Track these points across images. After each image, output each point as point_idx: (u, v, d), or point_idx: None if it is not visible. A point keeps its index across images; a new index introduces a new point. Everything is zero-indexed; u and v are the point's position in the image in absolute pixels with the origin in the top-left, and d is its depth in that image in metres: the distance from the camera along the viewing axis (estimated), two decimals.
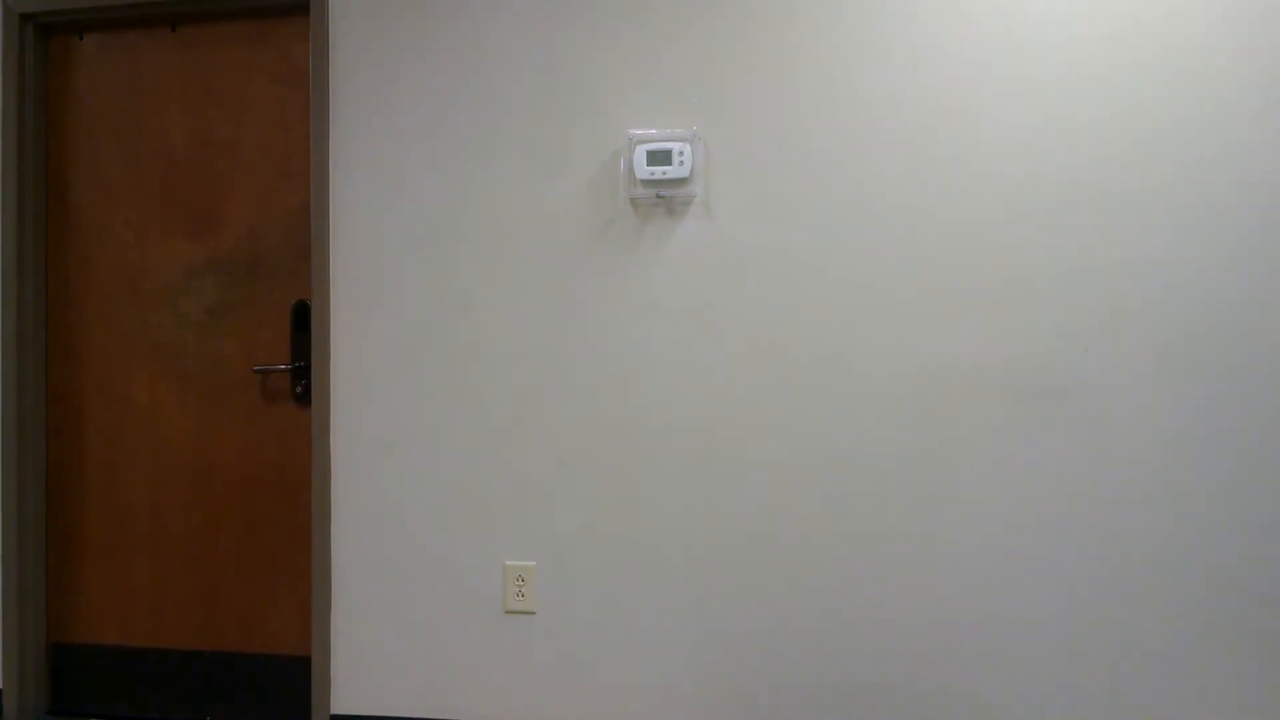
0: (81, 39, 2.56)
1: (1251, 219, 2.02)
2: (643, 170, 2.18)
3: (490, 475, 2.30)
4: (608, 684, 2.25)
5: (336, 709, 2.36)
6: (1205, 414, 2.03)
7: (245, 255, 2.48)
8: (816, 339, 2.16)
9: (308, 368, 2.44)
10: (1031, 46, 2.09)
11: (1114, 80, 2.06)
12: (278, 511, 2.47)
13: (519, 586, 2.28)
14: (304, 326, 2.44)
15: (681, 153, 2.17)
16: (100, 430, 2.55)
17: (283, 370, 2.45)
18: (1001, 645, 2.10)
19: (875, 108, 2.15)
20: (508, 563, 2.29)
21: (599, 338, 2.25)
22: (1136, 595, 2.05)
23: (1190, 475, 2.03)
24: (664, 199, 2.22)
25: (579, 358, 2.26)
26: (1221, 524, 2.02)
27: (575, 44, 2.26)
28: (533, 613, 2.28)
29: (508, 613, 2.29)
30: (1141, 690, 2.05)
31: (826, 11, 2.17)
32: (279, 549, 2.47)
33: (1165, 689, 2.04)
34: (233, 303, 2.49)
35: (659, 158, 2.17)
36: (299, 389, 2.45)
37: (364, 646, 2.35)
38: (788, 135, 2.18)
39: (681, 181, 2.19)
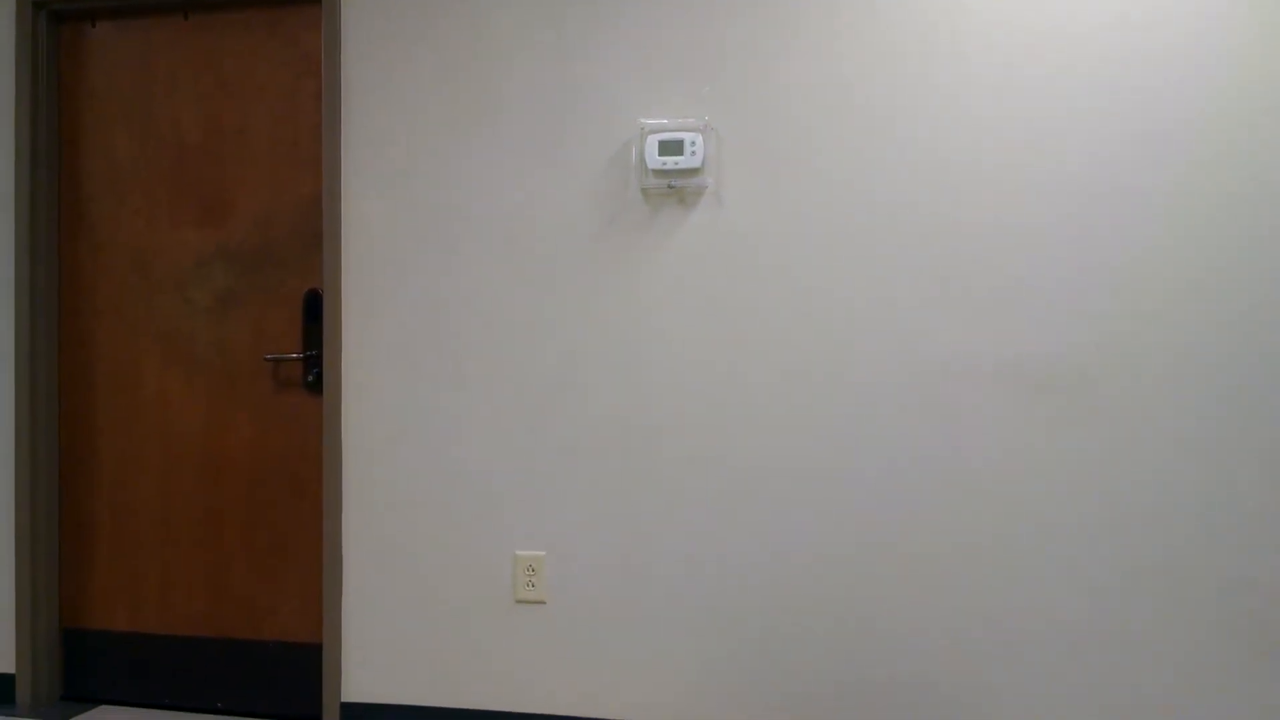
0: (94, 26, 2.56)
1: (1268, 215, 2.00)
2: (654, 160, 2.17)
3: (501, 465, 2.30)
4: (617, 673, 2.26)
5: (347, 697, 2.37)
6: (1219, 412, 2.02)
7: (256, 244, 2.49)
8: (828, 331, 2.16)
9: (319, 356, 2.45)
10: (1043, 43, 2.07)
11: (1126, 74, 2.04)
12: (288, 500, 2.48)
13: (529, 576, 2.28)
14: (316, 315, 2.45)
15: (693, 143, 2.16)
16: (112, 418, 2.56)
17: (294, 359, 2.46)
18: (1013, 644, 2.10)
19: (887, 101, 2.13)
20: (518, 552, 2.29)
21: (609, 327, 2.25)
22: (1150, 594, 2.04)
23: (1204, 474, 2.02)
24: (675, 189, 2.21)
25: (590, 347, 2.26)
26: (1237, 523, 2.01)
27: (587, 32, 2.25)
28: (543, 602, 2.29)
29: (518, 602, 2.30)
30: (1156, 690, 2.05)
31: (837, 8, 2.15)
32: (290, 537, 2.48)
33: (1180, 689, 2.04)
34: (244, 291, 2.49)
35: (671, 148, 2.17)
36: (310, 378, 2.45)
37: (374, 635, 2.36)
38: (800, 127, 2.17)
39: (693, 171, 2.19)
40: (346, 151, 2.36)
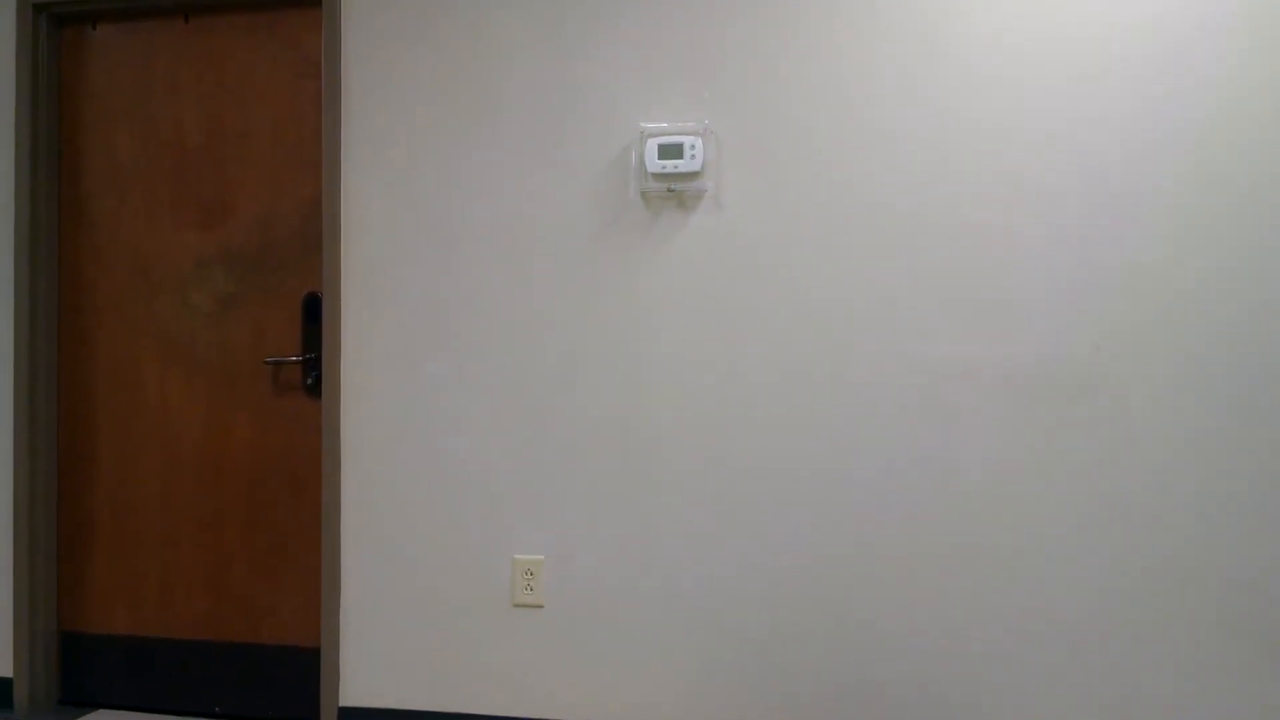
0: (95, 29, 2.56)
1: (1268, 219, 1.99)
2: (654, 163, 2.17)
3: (499, 468, 2.29)
4: (615, 677, 2.25)
5: (345, 701, 2.36)
6: (1218, 415, 2.01)
7: (256, 246, 2.49)
8: (827, 333, 2.15)
9: (319, 359, 2.44)
10: (1043, 48, 2.07)
11: (1127, 79, 2.04)
12: (287, 503, 2.47)
13: (528, 580, 2.28)
14: (315, 318, 2.45)
15: (693, 146, 2.16)
16: (111, 419, 2.56)
17: (294, 362, 2.45)
18: (1013, 645, 2.09)
19: (887, 105, 2.13)
20: (517, 556, 2.29)
21: (609, 330, 2.24)
22: (1149, 598, 2.04)
23: (1203, 476, 2.02)
24: (675, 192, 2.21)
25: (589, 350, 2.25)
26: (1236, 526, 2.01)
27: (587, 34, 2.25)
28: (541, 606, 2.28)
29: (516, 606, 2.29)
30: (1156, 691, 2.04)
31: (837, 9, 2.15)
32: (288, 540, 2.47)
33: (1180, 690, 2.03)
34: (244, 294, 2.49)
35: (670, 151, 2.17)
36: (310, 380, 2.45)
37: (373, 639, 2.35)
38: (799, 131, 2.17)
39: (693, 175, 2.18)
40: (346, 153, 2.36)
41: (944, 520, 2.11)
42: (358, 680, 2.36)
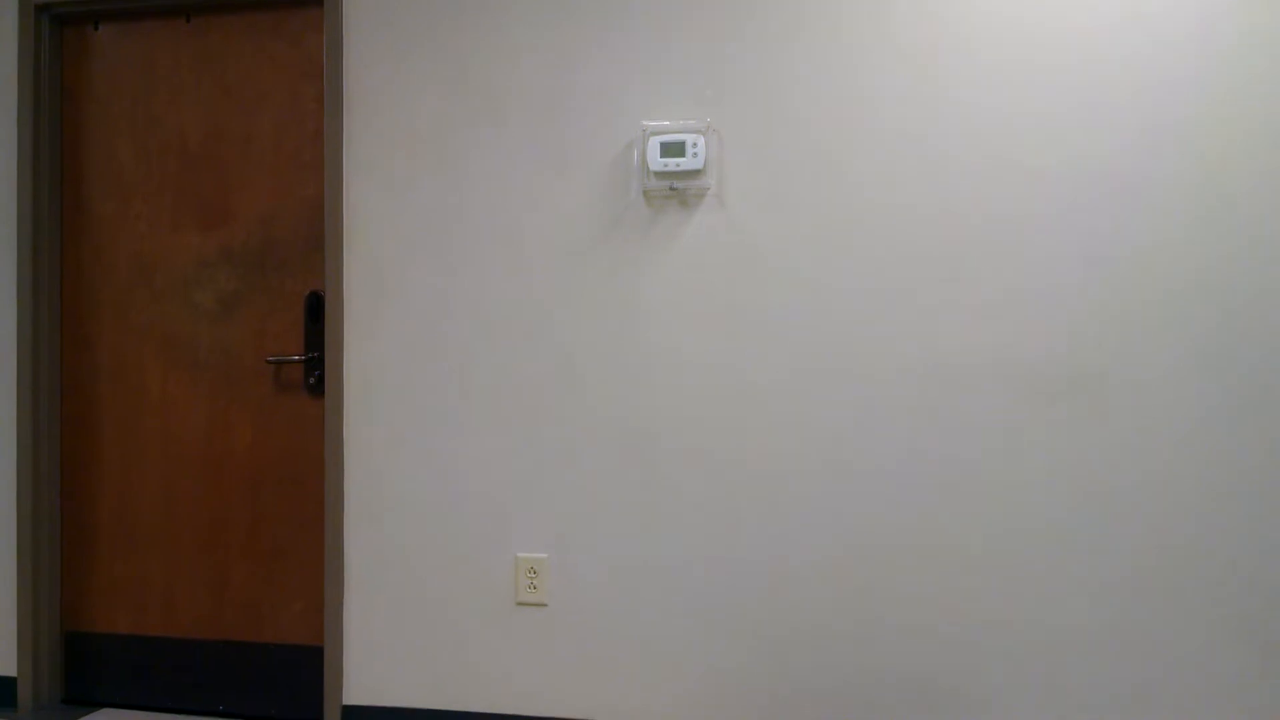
0: (97, 29, 2.56)
1: (1272, 208, 1.99)
2: (656, 162, 2.17)
3: (502, 466, 2.30)
4: (619, 675, 2.25)
5: (348, 699, 2.37)
6: (1224, 409, 2.01)
7: (258, 246, 2.49)
8: (830, 333, 2.15)
9: (321, 359, 2.45)
10: (1044, 38, 2.07)
11: (1129, 68, 2.04)
12: (290, 502, 2.47)
13: (531, 579, 2.28)
14: (317, 317, 2.45)
15: (695, 144, 2.16)
16: (114, 420, 2.56)
17: (296, 361, 2.46)
18: (1017, 645, 2.09)
19: (887, 100, 2.13)
20: (519, 555, 2.29)
21: (611, 329, 2.25)
22: (1155, 593, 2.04)
23: (1209, 471, 2.02)
24: (677, 191, 2.21)
25: (591, 349, 2.26)
26: (1242, 521, 2.01)
27: (588, 35, 2.25)
28: (544, 605, 2.28)
29: (519, 604, 2.29)
30: (1161, 688, 2.04)
31: (840, 6, 2.15)
32: (291, 539, 2.48)
33: (1185, 687, 2.03)
34: (246, 294, 2.49)
35: (672, 149, 2.17)
36: (312, 380, 2.45)
37: (376, 637, 2.35)
38: (801, 128, 2.17)
39: (695, 173, 2.18)
40: (349, 152, 2.37)
41: (948, 517, 2.11)
42: (361, 679, 2.36)
